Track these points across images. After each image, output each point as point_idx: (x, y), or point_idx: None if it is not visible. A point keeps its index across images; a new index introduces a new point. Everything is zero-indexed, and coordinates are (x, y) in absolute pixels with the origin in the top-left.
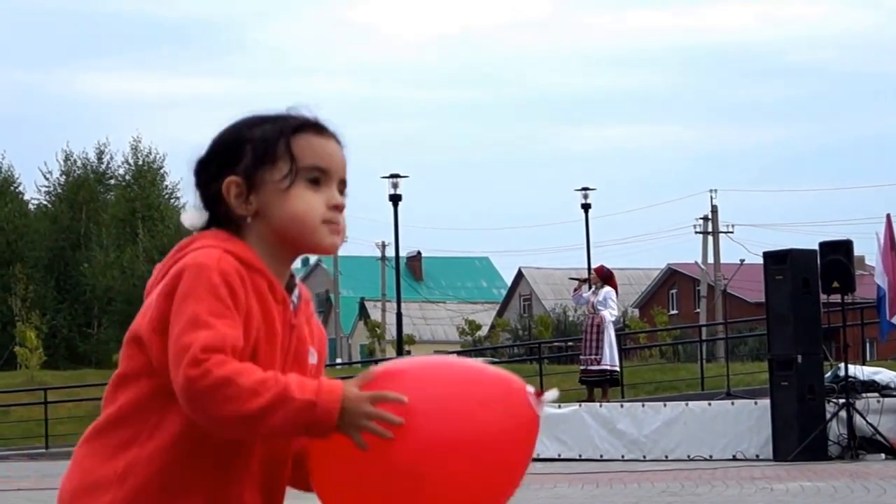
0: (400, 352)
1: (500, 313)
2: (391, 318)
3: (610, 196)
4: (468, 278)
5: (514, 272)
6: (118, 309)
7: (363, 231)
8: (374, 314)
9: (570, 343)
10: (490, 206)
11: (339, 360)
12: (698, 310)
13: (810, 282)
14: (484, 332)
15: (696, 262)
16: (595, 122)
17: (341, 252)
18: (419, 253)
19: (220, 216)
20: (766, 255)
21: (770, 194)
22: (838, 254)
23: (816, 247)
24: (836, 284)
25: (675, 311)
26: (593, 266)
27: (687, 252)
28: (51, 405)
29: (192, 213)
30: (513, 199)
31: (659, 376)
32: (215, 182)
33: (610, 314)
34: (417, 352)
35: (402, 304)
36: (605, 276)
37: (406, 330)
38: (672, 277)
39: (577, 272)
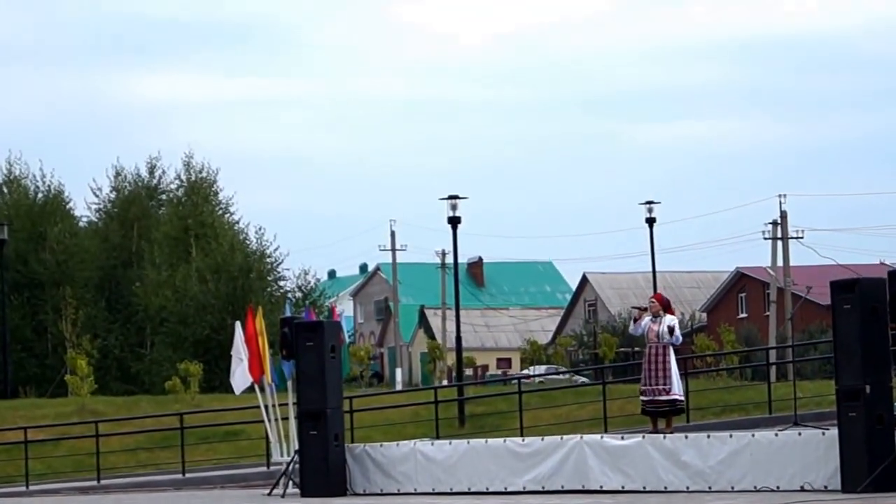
0: (460, 363)
1: (564, 319)
2: (451, 326)
3: (676, 198)
4: (531, 283)
5: (578, 278)
6: (171, 329)
7: (423, 238)
8: (434, 322)
9: (635, 352)
10: (553, 212)
11: (398, 378)
12: (768, 313)
13: (879, 310)
14: (547, 338)
15: (767, 269)
16: (660, 119)
17: (400, 259)
18: (480, 259)
19: None
20: (834, 285)
21: (840, 197)
22: None
23: (886, 267)
24: None
25: (744, 315)
26: (652, 294)
27: (754, 254)
28: (102, 437)
29: None
30: (576, 204)
31: (726, 397)
32: None
33: (673, 341)
34: (480, 360)
35: (463, 312)
36: (665, 304)
37: (468, 337)
38: (741, 281)
39: (644, 276)
